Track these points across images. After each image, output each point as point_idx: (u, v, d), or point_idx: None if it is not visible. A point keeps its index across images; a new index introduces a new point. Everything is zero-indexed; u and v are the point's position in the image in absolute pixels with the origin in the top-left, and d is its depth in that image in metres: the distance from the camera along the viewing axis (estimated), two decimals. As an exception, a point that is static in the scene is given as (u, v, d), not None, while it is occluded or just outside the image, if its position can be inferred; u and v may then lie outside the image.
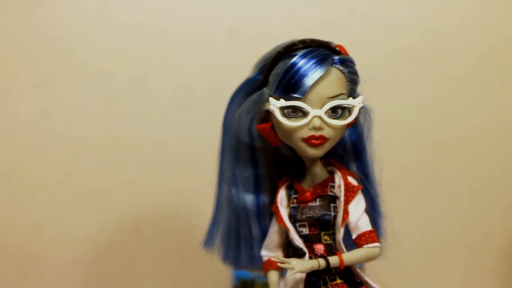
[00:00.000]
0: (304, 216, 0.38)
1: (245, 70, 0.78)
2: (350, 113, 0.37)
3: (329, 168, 0.41)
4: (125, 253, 0.81)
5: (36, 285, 0.80)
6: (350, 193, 0.37)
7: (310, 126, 0.37)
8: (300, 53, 0.37)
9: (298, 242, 0.38)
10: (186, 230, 0.81)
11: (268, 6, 0.79)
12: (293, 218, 0.39)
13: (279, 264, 0.39)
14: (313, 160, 0.39)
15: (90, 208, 0.80)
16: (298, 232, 0.38)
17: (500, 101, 0.81)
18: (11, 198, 0.79)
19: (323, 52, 0.37)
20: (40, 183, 0.79)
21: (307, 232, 0.38)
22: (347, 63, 0.38)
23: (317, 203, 0.38)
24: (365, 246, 0.36)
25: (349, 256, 0.37)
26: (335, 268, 0.37)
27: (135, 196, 0.80)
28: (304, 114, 0.37)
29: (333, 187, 0.39)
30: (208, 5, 0.79)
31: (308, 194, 0.39)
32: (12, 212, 0.79)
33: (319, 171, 0.39)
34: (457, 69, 0.80)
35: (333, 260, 0.37)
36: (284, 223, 0.39)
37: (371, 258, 0.36)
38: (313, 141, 0.37)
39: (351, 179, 0.38)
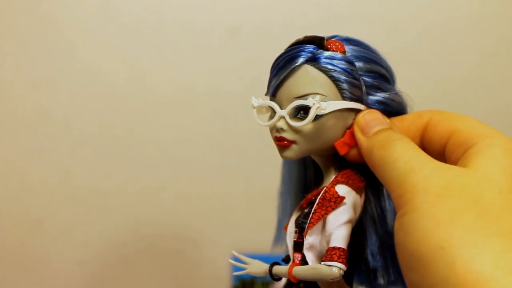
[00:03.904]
0: (297, 222, 0.37)
1: (245, 70, 0.79)
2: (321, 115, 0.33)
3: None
4: (125, 253, 0.81)
5: (36, 285, 0.80)
6: (330, 203, 0.33)
7: (276, 126, 0.35)
8: (282, 52, 0.36)
9: (288, 247, 0.37)
10: (186, 230, 0.81)
11: (269, 6, 0.79)
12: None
13: (231, 261, 0.38)
14: (322, 163, 0.37)
15: (90, 208, 0.80)
16: (293, 238, 0.37)
17: (501, 101, 0.81)
18: (11, 198, 0.79)
19: (300, 49, 0.34)
20: (40, 183, 0.79)
21: (296, 239, 0.36)
22: (329, 62, 0.34)
23: (306, 209, 0.36)
24: (322, 262, 0.33)
25: (300, 269, 0.34)
26: (306, 282, 0.35)
27: (135, 196, 0.80)
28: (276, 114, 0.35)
29: None
30: (209, 4, 0.79)
31: (305, 199, 0.37)
32: (12, 212, 0.79)
33: (326, 176, 0.37)
34: (457, 69, 0.80)
35: (280, 269, 0.35)
36: (286, 226, 0.39)
37: (321, 277, 0.33)
38: (278, 142, 0.35)
39: (340, 188, 0.34)
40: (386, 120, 0.34)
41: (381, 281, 0.38)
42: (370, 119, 0.34)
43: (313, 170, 0.40)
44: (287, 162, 0.41)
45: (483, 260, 0.23)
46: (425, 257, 0.25)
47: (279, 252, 0.42)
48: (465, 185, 0.26)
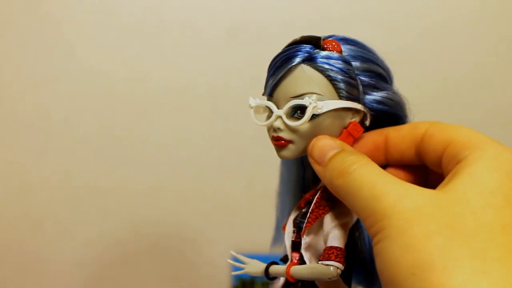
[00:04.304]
0: (295, 221, 0.37)
1: (245, 70, 0.79)
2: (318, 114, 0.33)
3: None
4: (124, 253, 0.81)
5: (36, 285, 0.80)
6: (328, 202, 0.34)
7: (273, 126, 0.35)
8: (279, 52, 0.36)
9: (286, 247, 0.37)
10: (185, 230, 0.81)
11: (269, 6, 0.79)
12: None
13: (229, 261, 0.38)
14: None
15: (90, 208, 0.80)
16: (291, 237, 0.37)
17: (501, 101, 0.81)
18: (11, 198, 0.79)
19: (297, 49, 0.34)
20: (40, 183, 0.79)
21: (294, 239, 0.36)
22: (325, 61, 0.34)
23: (304, 209, 0.36)
24: (319, 262, 0.33)
25: (298, 269, 0.34)
26: (304, 282, 0.35)
27: (135, 196, 0.80)
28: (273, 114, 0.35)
29: None
30: (208, 4, 0.79)
31: (303, 199, 0.37)
32: (12, 212, 0.79)
33: None
34: (457, 69, 0.80)
35: (277, 269, 0.35)
36: (284, 226, 0.39)
37: (319, 276, 0.33)
38: (275, 142, 0.35)
39: None
40: (336, 142, 0.33)
41: (378, 282, 0.38)
42: (321, 146, 0.33)
43: (312, 170, 0.40)
44: (285, 162, 0.41)
45: (452, 284, 0.23)
46: (398, 283, 0.25)
47: (278, 252, 0.42)
48: (437, 208, 0.25)
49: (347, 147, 0.33)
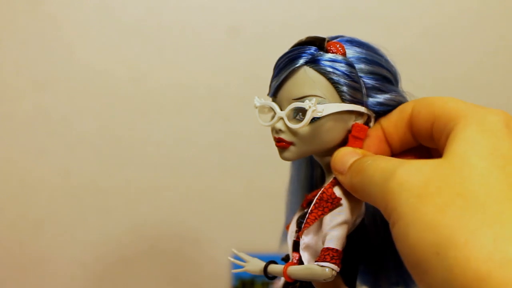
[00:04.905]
0: (297, 221, 0.37)
1: (245, 70, 0.79)
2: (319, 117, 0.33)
3: None
4: (124, 253, 0.81)
5: (36, 285, 0.80)
6: (327, 204, 0.33)
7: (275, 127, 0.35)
8: (284, 53, 0.35)
9: (288, 247, 0.37)
10: (185, 230, 0.81)
11: (269, 6, 0.79)
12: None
13: (230, 258, 0.38)
14: (323, 164, 0.37)
15: (90, 208, 0.80)
16: (293, 237, 0.37)
17: (501, 101, 0.81)
18: (11, 198, 0.79)
19: (301, 50, 0.34)
20: (40, 183, 0.79)
21: (295, 239, 0.36)
22: (328, 64, 0.33)
23: (306, 209, 0.36)
24: (315, 262, 0.33)
25: (295, 269, 0.34)
26: (302, 282, 0.35)
27: (135, 196, 0.80)
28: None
29: None
30: (208, 4, 0.79)
31: (305, 199, 0.37)
32: (12, 212, 0.79)
33: (327, 176, 0.36)
34: (457, 68, 0.80)
35: (275, 268, 0.35)
36: (287, 226, 0.38)
37: (314, 277, 0.33)
38: (277, 143, 0.35)
39: (337, 189, 0.34)
40: (357, 150, 0.33)
41: (383, 282, 0.38)
42: (342, 156, 0.33)
43: (320, 170, 0.40)
44: (294, 162, 0.41)
45: (477, 257, 0.22)
46: (423, 263, 0.24)
47: (279, 252, 0.42)
48: (444, 177, 0.25)
49: (368, 153, 0.33)
